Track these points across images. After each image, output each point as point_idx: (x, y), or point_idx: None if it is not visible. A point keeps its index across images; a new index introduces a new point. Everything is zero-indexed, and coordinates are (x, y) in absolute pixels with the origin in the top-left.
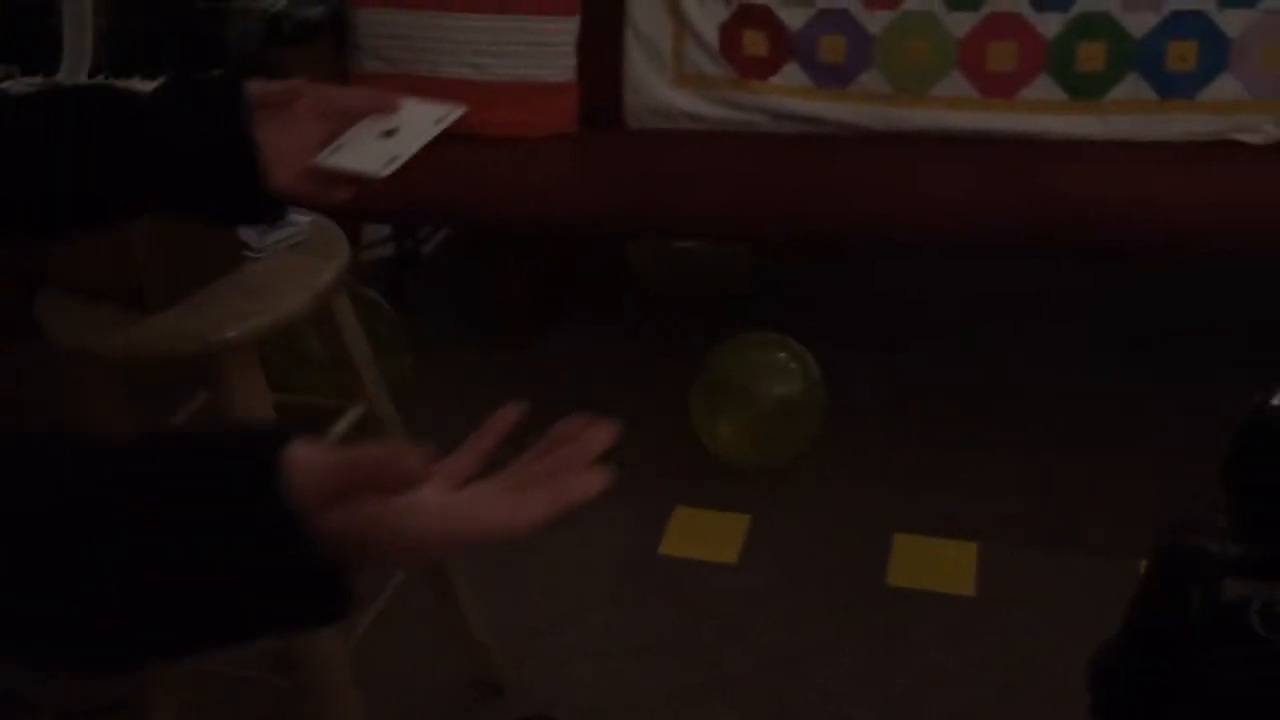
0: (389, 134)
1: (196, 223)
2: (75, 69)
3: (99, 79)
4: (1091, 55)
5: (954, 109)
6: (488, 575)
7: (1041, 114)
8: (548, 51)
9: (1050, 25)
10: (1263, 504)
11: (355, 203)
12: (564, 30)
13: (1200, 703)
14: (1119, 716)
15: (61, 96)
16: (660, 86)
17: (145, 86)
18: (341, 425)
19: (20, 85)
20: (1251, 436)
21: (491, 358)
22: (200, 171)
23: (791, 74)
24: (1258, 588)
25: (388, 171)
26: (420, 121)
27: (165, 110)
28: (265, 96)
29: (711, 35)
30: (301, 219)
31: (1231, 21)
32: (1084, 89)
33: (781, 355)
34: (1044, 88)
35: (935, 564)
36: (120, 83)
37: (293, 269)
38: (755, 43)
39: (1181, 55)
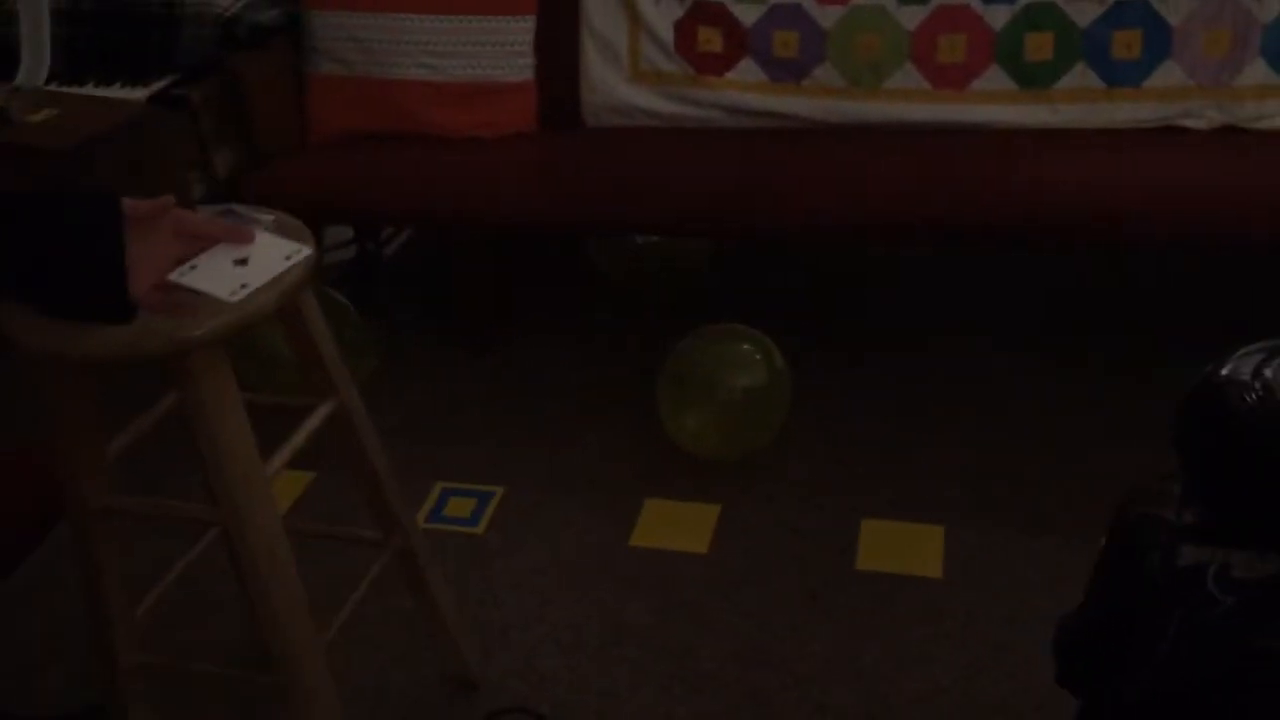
0: (241, 262)
1: (47, 315)
2: (34, 75)
3: (53, 86)
4: (1040, 45)
5: (907, 101)
6: (460, 571)
7: (993, 104)
8: (505, 51)
9: (998, 16)
10: (1213, 471)
11: (316, 204)
12: (521, 29)
13: (1160, 664)
14: (1083, 681)
15: None
16: (617, 84)
17: (97, 93)
18: (312, 422)
19: None
20: (1200, 405)
21: (456, 357)
22: (71, 276)
23: (747, 69)
24: (1213, 553)
25: (235, 299)
26: (271, 255)
27: (50, 218)
28: (135, 211)
29: (667, 33)
30: (266, 217)
31: (1174, 9)
32: (1033, 79)
33: (746, 346)
34: (994, 78)
35: (902, 548)
36: (72, 89)
37: None
38: (710, 39)
39: (1126, 44)
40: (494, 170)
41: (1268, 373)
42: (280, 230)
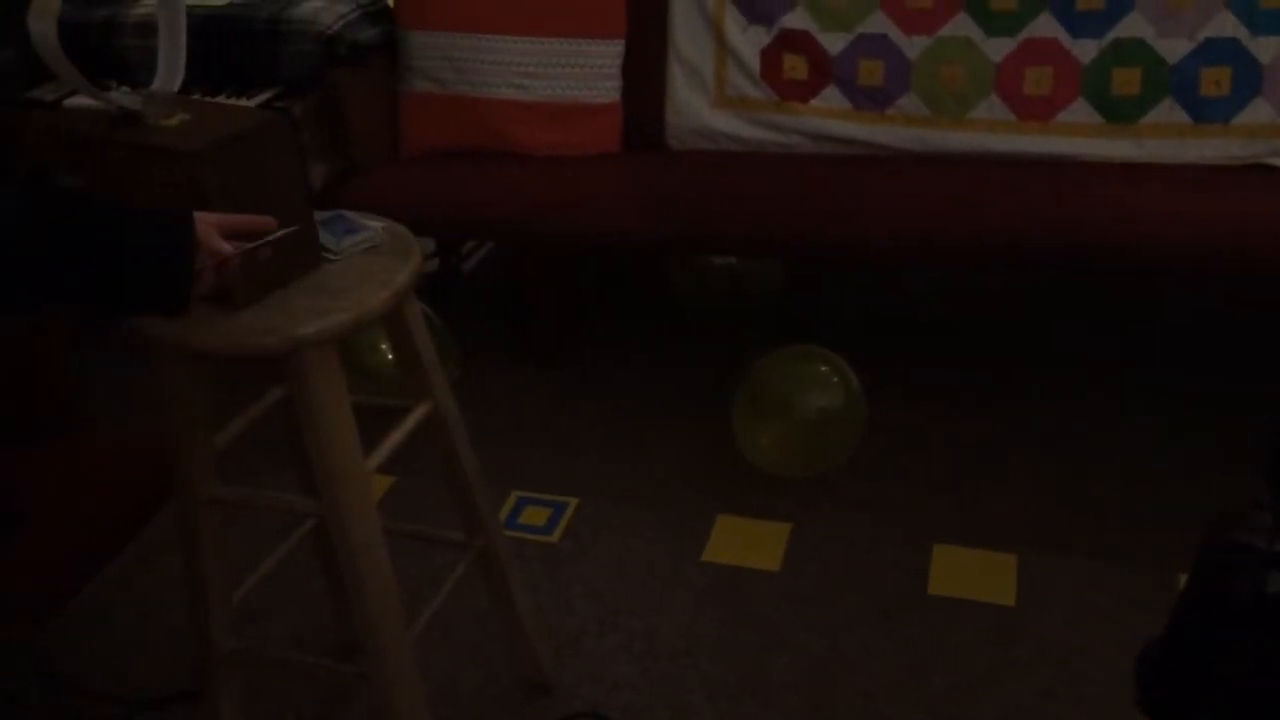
0: None
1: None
2: (169, 82)
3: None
4: (1127, 80)
5: (991, 132)
6: (535, 580)
7: (1077, 137)
8: (593, 73)
9: (1086, 51)
10: None
11: (405, 217)
12: (610, 53)
13: (1244, 693)
14: (1165, 706)
15: (57, 201)
16: (702, 108)
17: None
18: (409, 422)
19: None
20: None
21: (531, 369)
22: (140, 274)
23: (831, 97)
24: None
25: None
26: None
27: (131, 230)
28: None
29: (753, 59)
30: (376, 223)
31: (1264, 48)
32: (1119, 113)
33: (823, 368)
34: (1080, 111)
35: (975, 574)
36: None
37: (370, 270)
38: (795, 67)
39: (1215, 81)
40: (577, 189)
41: None
42: (390, 236)
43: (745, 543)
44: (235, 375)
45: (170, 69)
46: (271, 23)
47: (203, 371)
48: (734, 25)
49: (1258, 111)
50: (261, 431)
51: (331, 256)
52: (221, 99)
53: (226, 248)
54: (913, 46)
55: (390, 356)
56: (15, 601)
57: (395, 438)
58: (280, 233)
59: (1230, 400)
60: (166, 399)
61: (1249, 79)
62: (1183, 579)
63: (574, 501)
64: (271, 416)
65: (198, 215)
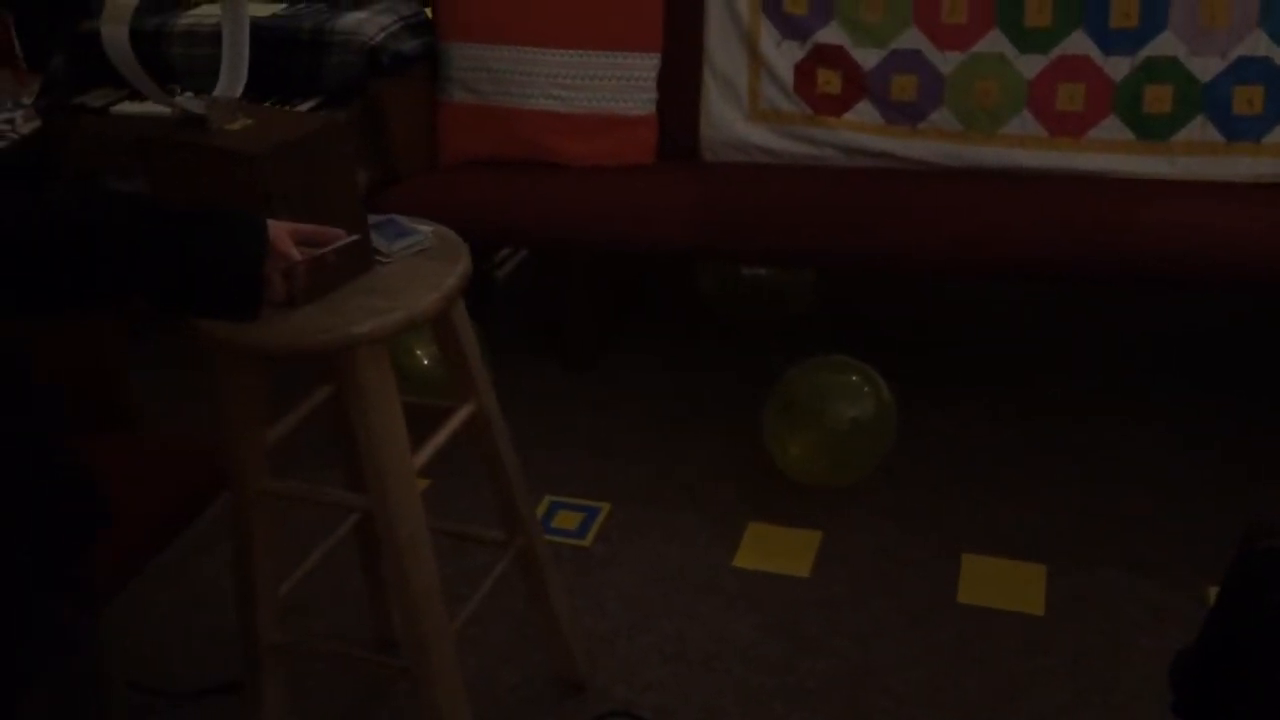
0: None
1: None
2: (231, 87)
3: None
4: (1159, 98)
5: (1023, 147)
6: (568, 583)
7: (1109, 153)
8: (629, 86)
9: (1119, 68)
10: None
11: (444, 224)
12: (646, 66)
13: (1278, 700)
14: (1199, 712)
15: (132, 203)
16: (736, 121)
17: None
18: (454, 421)
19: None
20: None
21: (564, 376)
22: (213, 282)
23: (864, 111)
24: None
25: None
26: None
27: (205, 233)
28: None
29: (787, 73)
30: (426, 228)
31: None
32: (1151, 130)
33: (854, 378)
34: (1112, 128)
35: (1004, 583)
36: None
37: (420, 272)
38: (829, 81)
39: (1248, 99)
40: (613, 198)
41: None
42: (439, 241)
43: (776, 549)
44: (278, 374)
45: (233, 75)
46: (316, 33)
47: (258, 368)
48: (768, 39)
49: None
50: (306, 432)
51: (383, 259)
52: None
53: (296, 254)
54: (946, 62)
55: (425, 361)
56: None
57: (441, 436)
58: (346, 240)
59: (1257, 412)
60: (222, 395)
61: None
62: (1212, 590)
63: (606, 506)
64: (313, 418)
65: (270, 222)
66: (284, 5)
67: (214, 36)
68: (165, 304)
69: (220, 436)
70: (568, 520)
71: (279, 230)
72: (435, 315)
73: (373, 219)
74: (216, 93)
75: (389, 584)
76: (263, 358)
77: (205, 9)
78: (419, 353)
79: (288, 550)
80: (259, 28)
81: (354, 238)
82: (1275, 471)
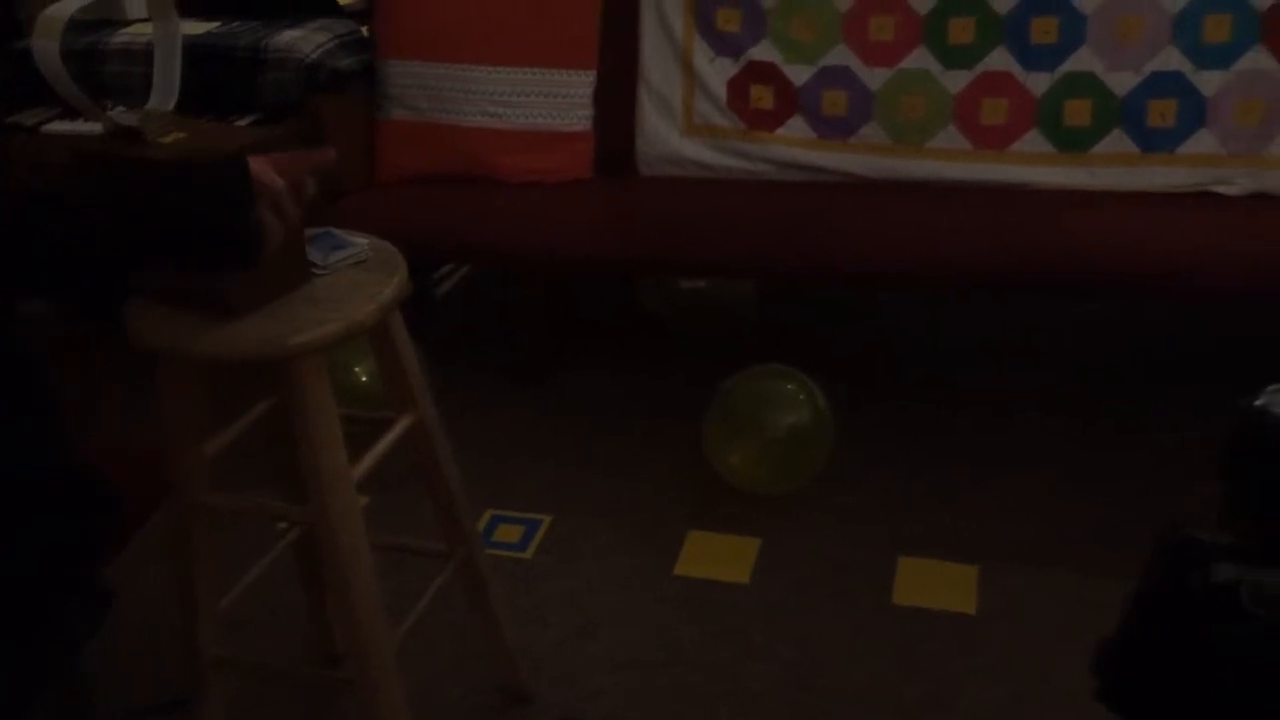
0: None
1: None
2: (164, 100)
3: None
4: (1078, 112)
5: (950, 160)
6: (511, 595)
7: (1032, 165)
8: (566, 102)
9: (1039, 83)
10: (1251, 494)
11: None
12: (582, 83)
13: (1197, 677)
14: (1124, 698)
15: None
16: (671, 136)
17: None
18: (394, 432)
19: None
20: (1241, 435)
21: (507, 390)
22: (208, 232)
23: (796, 126)
24: (1247, 571)
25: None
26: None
27: (190, 190)
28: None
29: (720, 89)
30: (362, 240)
31: (1207, 81)
32: (1071, 143)
33: (791, 386)
34: (1034, 141)
35: (938, 584)
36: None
37: (358, 284)
38: (762, 97)
39: (1161, 113)
40: (550, 213)
41: None
42: (376, 252)
43: (716, 557)
44: (217, 389)
45: (166, 88)
46: (251, 50)
47: (198, 378)
48: (702, 56)
49: (1202, 142)
50: (245, 446)
51: (320, 271)
52: None
53: (279, 181)
54: (874, 78)
55: (364, 378)
56: None
57: (381, 446)
58: (323, 158)
59: (1188, 411)
60: (163, 405)
61: (1193, 111)
62: None
63: (547, 519)
64: (253, 432)
65: (250, 159)
66: (218, 24)
67: (148, 54)
68: (169, 264)
69: (161, 448)
70: (509, 533)
71: (259, 164)
72: (373, 325)
73: (309, 232)
74: (149, 105)
75: (330, 596)
76: (203, 368)
77: (139, 27)
78: (357, 369)
79: (229, 564)
80: (193, 45)
81: (329, 152)
82: (1207, 469)
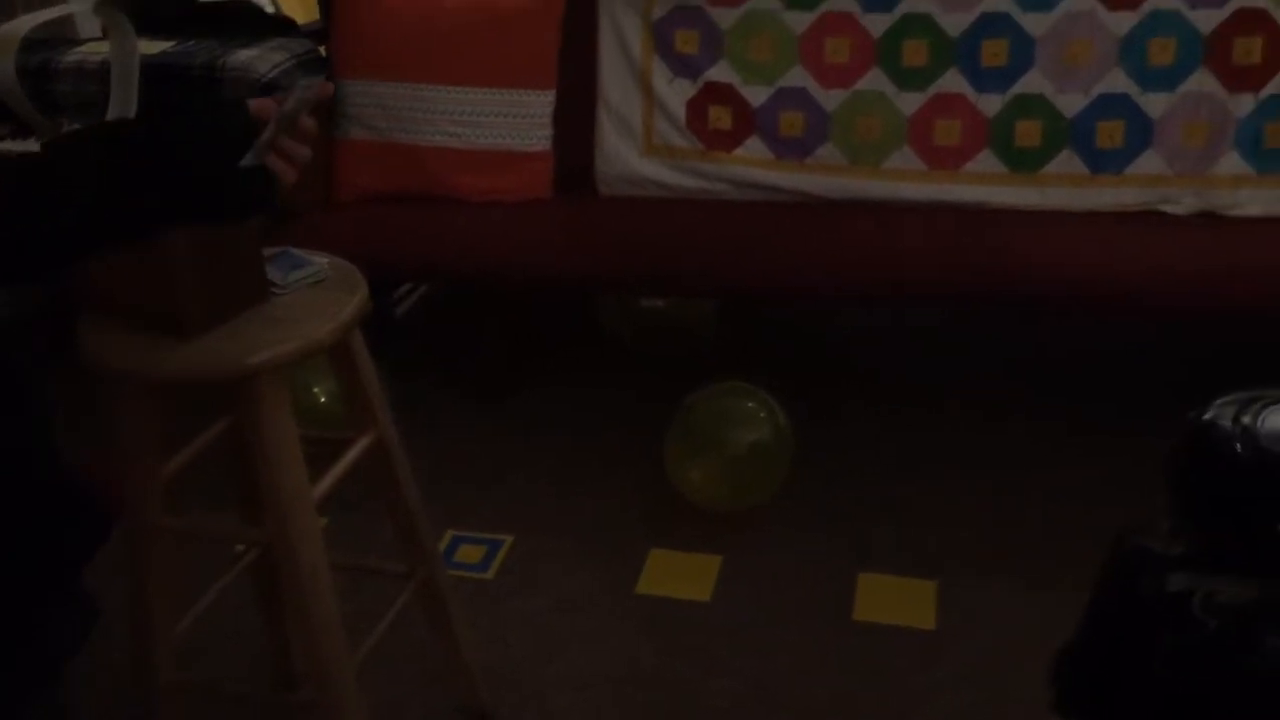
0: None
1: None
2: (122, 117)
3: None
4: (1029, 132)
5: (905, 180)
6: (472, 616)
7: (984, 185)
8: (526, 122)
9: (991, 105)
10: (1200, 505)
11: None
12: (541, 103)
13: (1150, 686)
14: (1078, 705)
15: (108, 133)
16: (631, 157)
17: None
18: (354, 451)
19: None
20: (1189, 448)
21: (468, 410)
22: (221, 180)
23: (754, 147)
24: (1199, 580)
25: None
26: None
27: (194, 139)
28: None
29: (679, 110)
30: (321, 259)
31: (1153, 104)
32: (1023, 163)
33: (751, 404)
34: (986, 161)
35: (897, 600)
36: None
37: (316, 302)
38: (720, 117)
39: (1110, 134)
40: (510, 232)
41: (1245, 419)
42: (335, 271)
43: (677, 575)
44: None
45: (122, 106)
46: (207, 69)
47: (154, 399)
48: (661, 78)
49: (1149, 162)
50: (201, 468)
51: (279, 290)
52: None
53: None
54: (830, 99)
55: (323, 399)
56: None
57: (340, 466)
58: (311, 90)
59: (1144, 425)
60: (117, 428)
61: (1140, 132)
62: None
63: (509, 538)
64: (209, 453)
65: (249, 101)
66: (173, 43)
67: (101, 73)
68: (187, 221)
69: (115, 470)
70: (470, 554)
71: (259, 104)
72: (333, 344)
73: (268, 251)
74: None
75: (289, 618)
76: (160, 388)
77: (92, 45)
78: (315, 390)
79: (185, 587)
80: (149, 64)
81: (326, 86)
82: (1160, 479)
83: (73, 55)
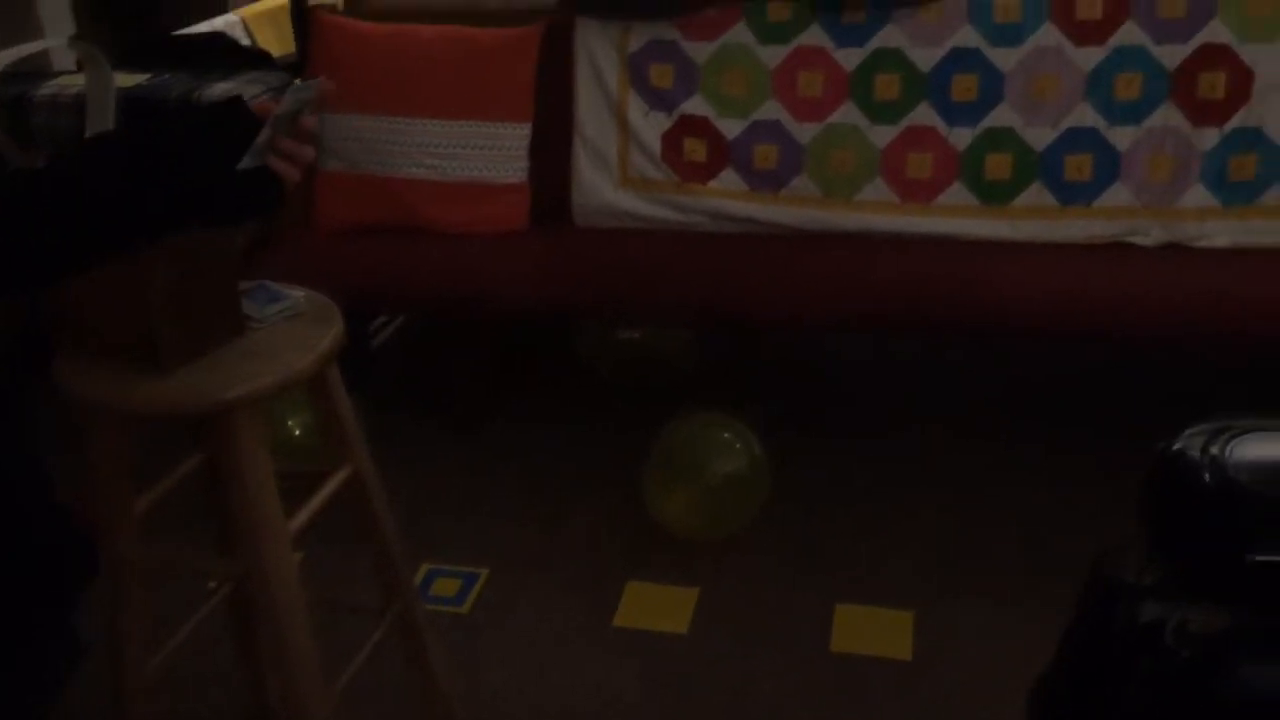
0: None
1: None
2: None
3: None
4: (999, 165)
5: (877, 212)
6: (451, 646)
7: (956, 217)
8: (502, 155)
9: (962, 138)
10: (1171, 535)
11: (319, 291)
12: (518, 135)
13: (1125, 715)
14: None
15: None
16: (607, 189)
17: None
18: (331, 485)
19: None
20: (1160, 478)
21: (444, 442)
22: (230, 182)
23: (729, 179)
24: (1171, 609)
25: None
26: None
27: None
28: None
29: (654, 143)
30: (297, 293)
31: (1121, 137)
32: (993, 195)
33: (727, 434)
34: (958, 194)
35: (874, 631)
36: None
37: (294, 335)
38: (695, 150)
39: (1078, 167)
40: (486, 264)
41: (1214, 449)
42: (311, 304)
43: (655, 607)
44: (147, 442)
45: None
46: (183, 102)
47: (129, 433)
48: (636, 111)
49: (1117, 195)
50: (175, 502)
51: (255, 324)
52: None
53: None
54: (804, 132)
55: (298, 432)
56: None
57: (316, 500)
58: (307, 91)
59: (1117, 450)
60: (92, 460)
61: (1108, 165)
62: None
63: (485, 572)
64: (182, 487)
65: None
66: (149, 76)
67: (76, 105)
68: (194, 224)
69: (89, 504)
70: (446, 587)
71: (259, 105)
72: (309, 377)
73: (244, 285)
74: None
75: (265, 653)
76: (133, 422)
77: (67, 78)
78: (290, 423)
79: (160, 621)
80: (124, 96)
81: (324, 83)
82: (1133, 508)
83: (48, 88)
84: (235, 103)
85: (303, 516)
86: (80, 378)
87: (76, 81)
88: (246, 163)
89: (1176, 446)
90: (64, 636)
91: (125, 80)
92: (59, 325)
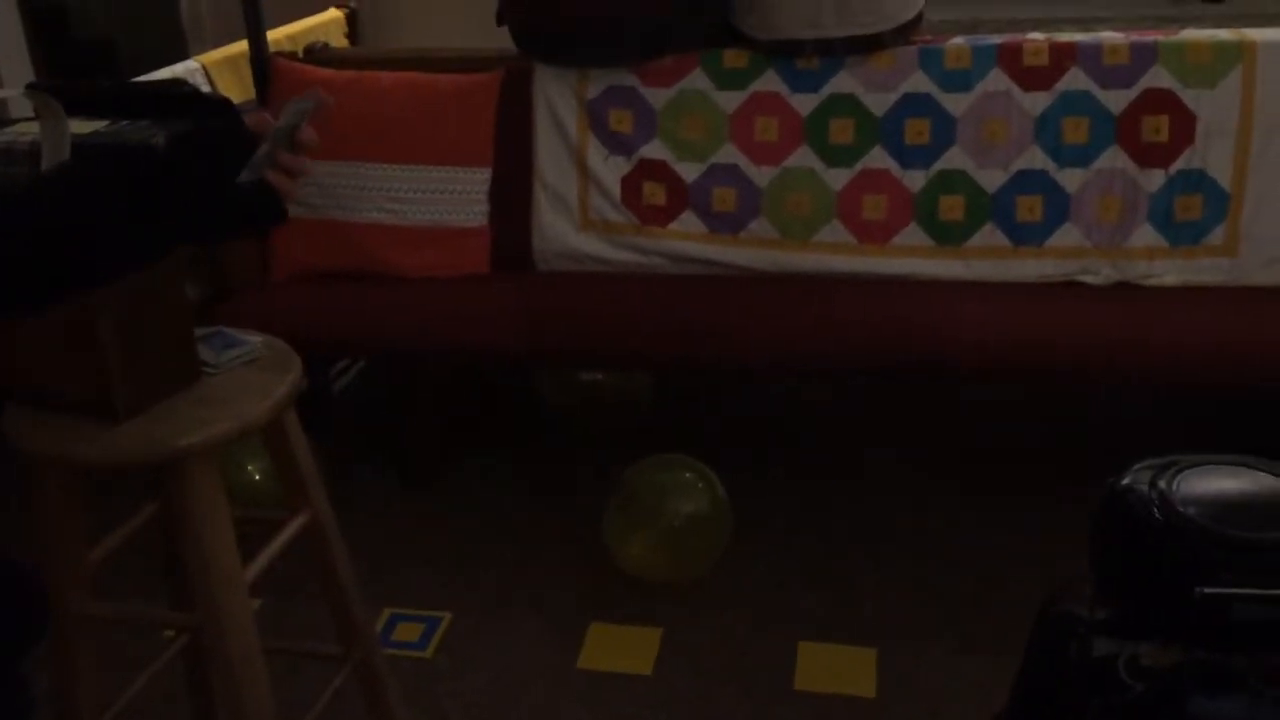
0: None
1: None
2: None
3: None
4: (952, 207)
5: (834, 254)
6: (409, 694)
7: (911, 258)
8: (462, 199)
9: (915, 180)
10: (1122, 571)
11: (281, 338)
12: (478, 180)
13: None
14: None
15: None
16: (568, 232)
17: None
18: (288, 531)
19: None
20: (1108, 514)
21: (404, 490)
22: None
23: (688, 221)
24: (1123, 645)
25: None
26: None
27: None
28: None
29: (614, 186)
30: (255, 338)
31: (1070, 179)
32: (947, 236)
33: (689, 475)
34: (913, 235)
35: (837, 669)
36: None
37: (250, 382)
38: (654, 193)
39: (1029, 208)
40: (447, 308)
41: (1162, 484)
42: (268, 350)
43: (618, 649)
44: (98, 492)
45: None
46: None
47: (78, 485)
48: (596, 155)
49: (1067, 235)
50: (127, 553)
51: (211, 370)
52: None
53: (268, 121)
54: (761, 175)
55: (256, 476)
56: None
57: (274, 547)
58: (308, 102)
59: (1077, 487)
60: (40, 513)
61: (1058, 206)
62: None
63: (447, 616)
64: (134, 537)
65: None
66: (107, 123)
67: (31, 154)
68: (194, 241)
69: (37, 557)
70: (408, 632)
71: (255, 119)
72: (266, 424)
73: (200, 331)
74: None
75: (220, 705)
76: (82, 473)
77: (22, 126)
78: (249, 467)
79: (110, 676)
80: (80, 145)
81: (317, 93)
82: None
83: (3, 136)
84: (236, 119)
85: (259, 564)
86: (28, 429)
87: (32, 129)
88: (245, 177)
89: (1125, 481)
90: (13, 687)
91: (82, 127)
92: (6, 375)
